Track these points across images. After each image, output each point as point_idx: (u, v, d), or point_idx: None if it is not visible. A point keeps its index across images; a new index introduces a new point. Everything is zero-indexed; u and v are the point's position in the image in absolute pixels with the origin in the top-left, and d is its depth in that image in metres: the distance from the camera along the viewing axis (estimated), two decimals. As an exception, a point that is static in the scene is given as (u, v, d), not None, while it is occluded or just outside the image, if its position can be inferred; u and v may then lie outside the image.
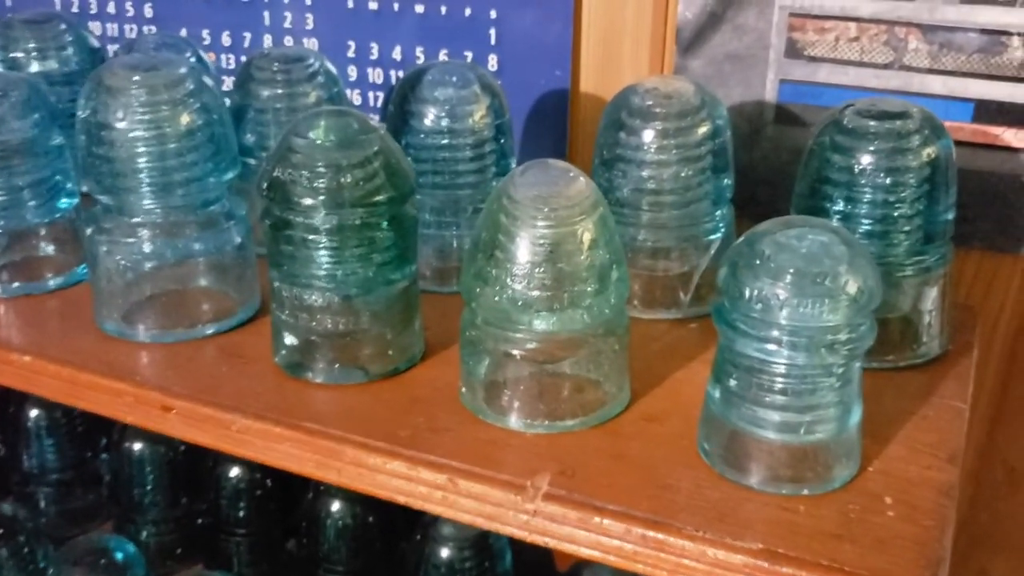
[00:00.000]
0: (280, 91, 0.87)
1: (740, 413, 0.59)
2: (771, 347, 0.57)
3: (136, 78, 0.72)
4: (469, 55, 1.00)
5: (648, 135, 0.76)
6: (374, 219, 0.67)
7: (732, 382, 0.59)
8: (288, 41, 1.08)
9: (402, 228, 0.69)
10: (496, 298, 0.63)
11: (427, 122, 0.81)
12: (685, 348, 0.75)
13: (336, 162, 0.66)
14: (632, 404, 0.68)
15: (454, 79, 0.81)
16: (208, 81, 0.75)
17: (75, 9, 1.18)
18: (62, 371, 0.72)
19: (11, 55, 0.99)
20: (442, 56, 1.01)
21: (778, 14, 0.88)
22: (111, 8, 1.16)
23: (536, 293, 0.62)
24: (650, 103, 0.76)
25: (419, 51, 1.02)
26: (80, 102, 0.73)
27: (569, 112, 0.98)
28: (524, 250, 0.62)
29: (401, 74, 1.03)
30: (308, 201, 0.66)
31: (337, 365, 0.70)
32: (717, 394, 0.61)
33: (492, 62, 1.00)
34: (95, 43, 1.04)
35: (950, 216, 0.72)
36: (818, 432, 0.58)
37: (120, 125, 0.71)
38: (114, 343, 0.75)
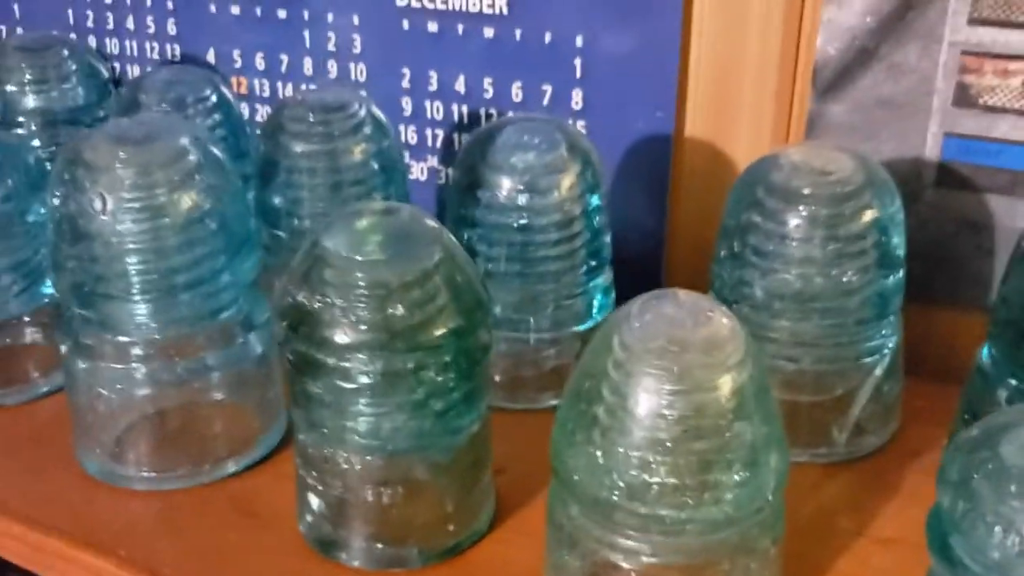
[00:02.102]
0: (317, 147, 0.69)
1: None
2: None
3: (122, 154, 0.54)
4: (548, 89, 0.82)
5: (793, 222, 0.57)
6: (434, 359, 0.49)
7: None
8: (331, 66, 0.90)
9: (471, 363, 0.51)
10: (599, 481, 0.45)
11: (501, 195, 0.63)
12: (845, 507, 0.56)
13: (384, 282, 0.48)
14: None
15: (536, 140, 0.63)
16: (215, 151, 0.57)
17: (90, 23, 1.01)
18: (27, 534, 0.56)
19: (5, 87, 0.82)
20: (515, 90, 0.83)
21: (947, 52, 0.68)
22: (130, 24, 0.99)
23: (657, 483, 0.44)
24: (798, 181, 0.57)
25: (487, 82, 0.84)
26: (50, 185, 0.56)
27: (671, 164, 0.79)
28: (641, 420, 0.44)
29: (465, 109, 0.85)
30: (343, 338, 0.48)
31: (379, 544, 0.52)
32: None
33: (576, 98, 0.81)
34: (104, 72, 0.87)
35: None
36: None
37: (102, 216, 0.54)
38: (96, 489, 0.59)
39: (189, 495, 0.58)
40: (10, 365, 0.67)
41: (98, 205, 0.54)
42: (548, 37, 0.80)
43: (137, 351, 0.57)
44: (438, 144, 0.88)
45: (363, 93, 0.79)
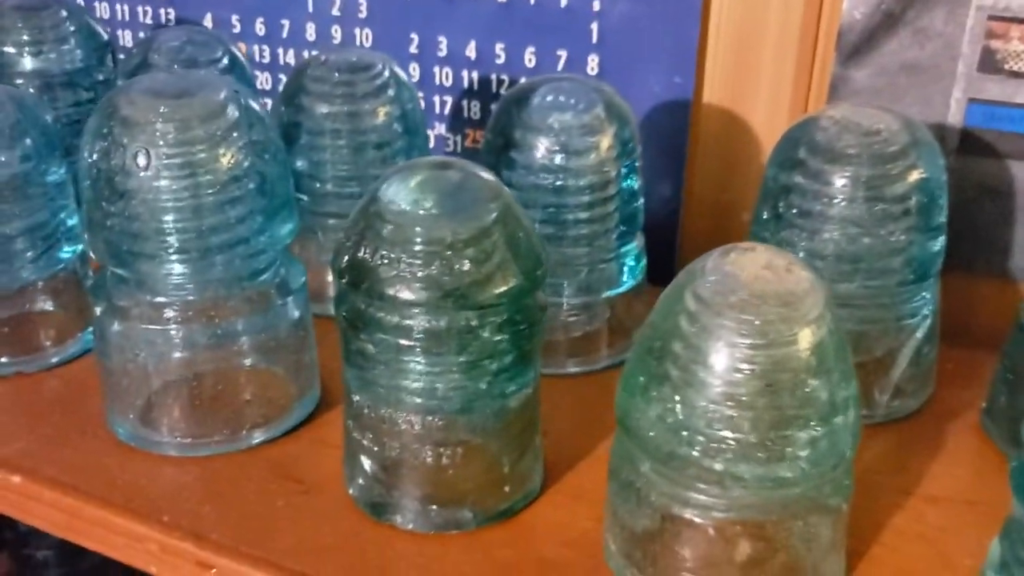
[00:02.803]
0: (341, 108, 0.68)
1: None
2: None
3: (163, 108, 0.53)
4: (563, 54, 0.81)
5: (839, 182, 0.57)
6: (492, 318, 0.48)
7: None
8: (336, 31, 0.88)
9: (529, 324, 0.50)
10: (673, 437, 0.44)
11: (537, 157, 0.62)
12: (890, 467, 0.56)
13: (441, 238, 0.47)
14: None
15: (572, 101, 0.62)
16: (255, 106, 0.55)
17: (79, -14, 0.98)
18: (61, 499, 0.54)
19: (1, 48, 0.79)
20: (527, 55, 0.82)
21: (974, 16, 0.68)
22: (122, -14, 0.97)
23: (733, 438, 0.43)
24: (843, 140, 0.57)
25: (498, 48, 0.83)
26: (85, 140, 0.54)
27: (689, 131, 0.78)
28: (718, 375, 0.43)
29: (475, 75, 0.84)
30: (401, 295, 0.47)
31: (434, 507, 0.51)
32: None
33: (592, 64, 0.80)
34: (103, 34, 0.84)
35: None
36: None
37: (142, 172, 0.52)
38: (130, 455, 0.57)
39: (227, 460, 0.56)
40: (26, 332, 0.65)
41: (137, 161, 0.52)
42: (564, 1, 0.79)
43: (172, 313, 0.55)
44: (446, 111, 0.87)
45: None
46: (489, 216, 0.48)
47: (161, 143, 0.52)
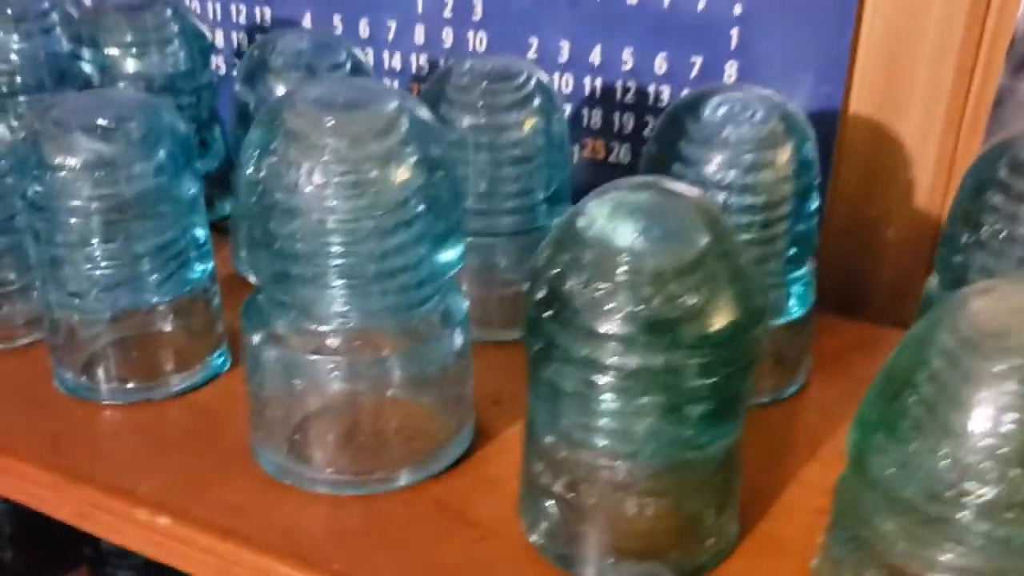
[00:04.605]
0: (485, 120, 0.63)
1: None
2: None
3: (330, 122, 0.48)
4: (697, 61, 0.76)
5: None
6: (704, 358, 0.43)
7: None
8: (447, 35, 0.84)
9: (742, 365, 0.45)
10: (919, 487, 0.40)
11: (707, 172, 0.57)
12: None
13: (654, 267, 0.43)
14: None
15: (749, 113, 0.58)
16: (427, 118, 0.51)
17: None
18: (218, 544, 0.50)
19: (105, 51, 0.75)
20: (659, 61, 0.77)
21: None
22: (216, -15, 0.93)
23: (991, 493, 0.39)
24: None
25: (626, 53, 0.78)
26: (248, 155, 0.49)
27: (836, 147, 0.74)
28: (980, 429, 0.39)
29: (599, 83, 0.80)
30: (611, 328, 0.43)
31: (630, 560, 0.47)
32: None
33: (729, 71, 0.76)
34: (207, 35, 0.80)
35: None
36: None
37: (313, 191, 0.48)
38: (282, 492, 0.53)
39: (389, 500, 0.52)
40: (152, 356, 0.61)
41: (313, 179, 0.48)
42: (701, 4, 0.74)
43: (333, 341, 0.51)
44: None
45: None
46: (701, 242, 0.44)
47: (329, 159, 0.48)
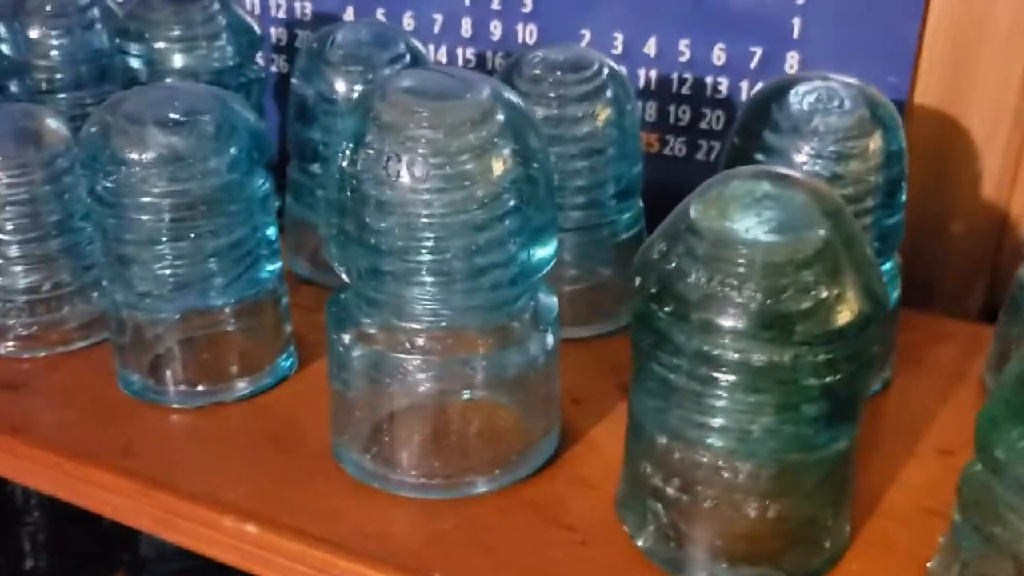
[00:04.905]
0: (555, 112, 0.62)
1: None
2: None
3: (423, 111, 0.46)
4: (757, 51, 0.75)
5: None
6: (829, 354, 0.42)
7: None
8: (495, 27, 0.82)
9: (863, 361, 0.44)
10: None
11: (796, 161, 0.56)
12: None
13: (775, 259, 0.41)
14: None
15: (836, 102, 0.56)
16: (523, 107, 0.49)
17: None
18: (310, 553, 0.48)
19: (154, 46, 0.73)
20: (716, 52, 0.76)
21: None
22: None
23: None
24: None
25: (682, 44, 0.77)
26: (340, 146, 0.47)
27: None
28: None
29: (654, 73, 0.78)
30: (726, 321, 0.41)
31: (745, 566, 0.45)
32: None
33: (791, 62, 0.74)
34: (256, 29, 0.78)
35: None
36: None
37: (399, 184, 0.46)
38: (370, 496, 0.51)
39: (481, 504, 0.51)
40: (220, 359, 0.59)
41: (401, 170, 0.46)
42: (762, -7, 0.73)
43: (423, 340, 0.49)
44: (619, 112, 0.81)
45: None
46: (823, 232, 0.42)
47: (424, 152, 0.46)
